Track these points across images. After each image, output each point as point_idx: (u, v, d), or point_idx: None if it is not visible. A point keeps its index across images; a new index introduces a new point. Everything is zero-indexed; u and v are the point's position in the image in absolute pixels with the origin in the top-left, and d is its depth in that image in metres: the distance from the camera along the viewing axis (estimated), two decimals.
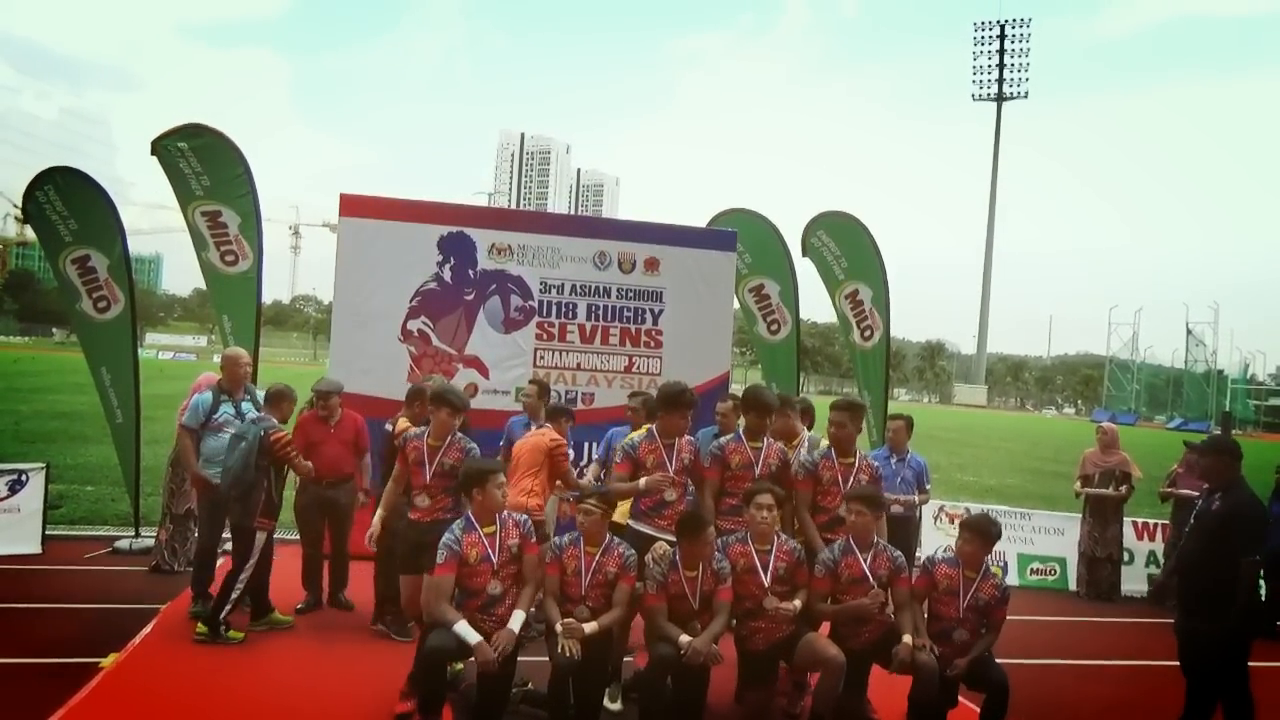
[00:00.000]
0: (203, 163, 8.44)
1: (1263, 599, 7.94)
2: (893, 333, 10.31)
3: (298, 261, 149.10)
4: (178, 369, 40.42)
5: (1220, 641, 4.91)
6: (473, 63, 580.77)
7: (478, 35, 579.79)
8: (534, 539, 4.80)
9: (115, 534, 8.82)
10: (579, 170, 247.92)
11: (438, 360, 8.43)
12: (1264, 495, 7.51)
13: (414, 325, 8.46)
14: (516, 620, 4.58)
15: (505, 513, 4.79)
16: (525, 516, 4.91)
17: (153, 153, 8.41)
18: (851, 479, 5.30)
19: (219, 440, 6.31)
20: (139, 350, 9.18)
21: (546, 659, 4.66)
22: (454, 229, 8.60)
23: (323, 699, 5.07)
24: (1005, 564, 9.49)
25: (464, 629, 4.42)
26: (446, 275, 8.56)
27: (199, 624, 5.91)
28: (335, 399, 6.78)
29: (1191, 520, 5.42)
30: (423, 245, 8.51)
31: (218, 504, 6.32)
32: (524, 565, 4.72)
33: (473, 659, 4.43)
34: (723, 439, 5.49)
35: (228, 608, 5.86)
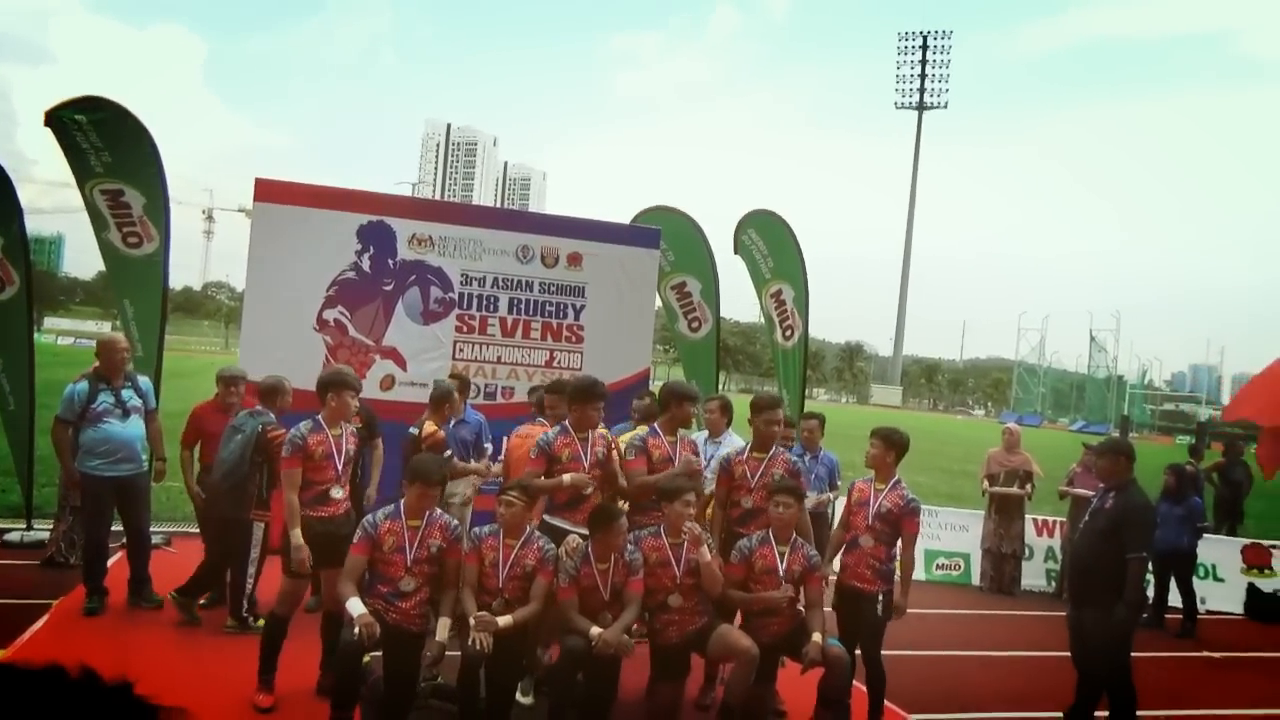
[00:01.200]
0: (103, 138, 8.03)
1: (1149, 594, 8.39)
2: (814, 334, 10.52)
3: (210, 247, 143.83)
4: (77, 355, 38.58)
5: (1106, 633, 5.17)
6: (398, 50, 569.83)
7: (404, 22, 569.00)
8: (459, 544, 4.73)
9: (5, 526, 8.40)
10: (506, 163, 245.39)
11: (354, 351, 8.24)
12: (1155, 494, 7.93)
13: (330, 315, 8.25)
14: (441, 629, 4.55)
15: (437, 512, 4.74)
16: (455, 521, 4.82)
17: (47, 124, 7.92)
18: (761, 472, 5.39)
19: (98, 431, 6.05)
20: (36, 334, 8.75)
21: (457, 652, 4.62)
22: (374, 218, 8.41)
23: (223, 695, 4.92)
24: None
25: (352, 604, 4.39)
26: (365, 265, 8.37)
27: (229, 618, 6.02)
28: (242, 386, 6.58)
29: (1086, 518, 5.70)
30: (341, 234, 8.30)
31: (101, 496, 6.09)
32: (444, 569, 4.67)
33: (379, 654, 4.37)
34: (642, 431, 5.52)
35: (245, 601, 5.99)
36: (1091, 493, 7.06)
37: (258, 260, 8.14)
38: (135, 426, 6.21)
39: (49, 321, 78.96)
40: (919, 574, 9.71)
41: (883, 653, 5.20)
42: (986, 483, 9.76)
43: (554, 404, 6.13)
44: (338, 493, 5.11)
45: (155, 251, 8.28)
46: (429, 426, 6.07)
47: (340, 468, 5.12)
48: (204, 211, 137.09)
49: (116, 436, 6.08)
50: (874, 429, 5.43)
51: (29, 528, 8.14)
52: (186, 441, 6.67)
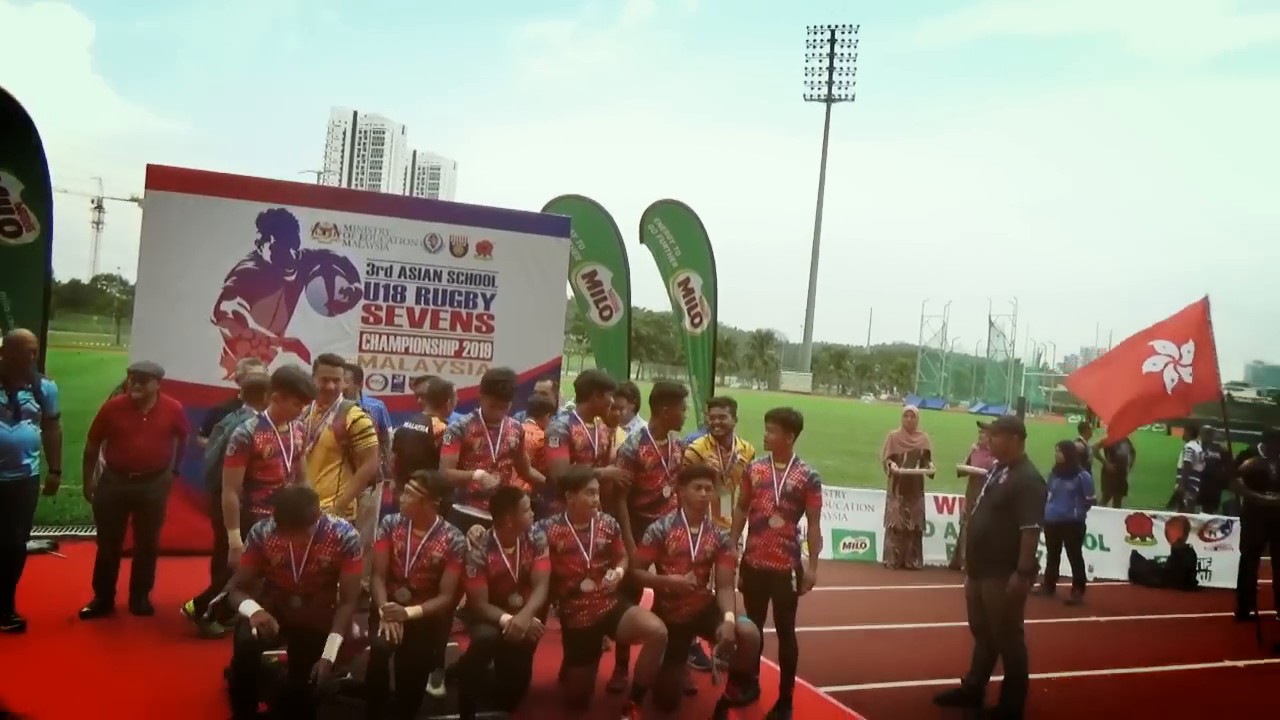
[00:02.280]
0: None
1: (1041, 564, 8.82)
2: (726, 322, 10.76)
3: (100, 238, 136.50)
4: None
5: (1001, 601, 5.42)
6: (302, 35, 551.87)
7: (308, 6, 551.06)
8: (356, 556, 4.58)
9: None
10: (415, 152, 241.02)
11: (255, 344, 8.01)
12: (1047, 470, 8.34)
13: (228, 307, 8.00)
14: (331, 646, 4.38)
15: (330, 523, 4.61)
16: (352, 533, 4.64)
17: None
18: (669, 459, 5.47)
19: None
20: None
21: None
22: (274, 206, 8.19)
23: (127, 701, 4.75)
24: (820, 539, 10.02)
25: (245, 605, 4.31)
26: (265, 255, 8.14)
27: (189, 602, 5.81)
28: (153, 384, 6.28)
29: (982, 493, 5.96)
30: (239, 222, 8.06)
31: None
32: (342, 582, 4.57)
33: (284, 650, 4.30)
34: (563, 419, 5.54)
35: (218, 597, 5.68)
36: (987, 470, 7.38)
37: (150, 250, 7.86)
38: (25, 431, 5.83)
39: None
40: (826, 553, 10.01)
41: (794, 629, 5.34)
42: (893, 464, 10.07)
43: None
44: None
45: (35, 241, 7.85)
46: (438, 424, 5.89)
47: (289, 465, 5.11)
48: (93, 200, 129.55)
49: (1, 440, 5.74)
50: (769, 413, 5.53)
51: None
52: (93, 435, 6.34)
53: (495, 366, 7.39)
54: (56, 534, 8.05)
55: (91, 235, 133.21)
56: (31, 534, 6.31)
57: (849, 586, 8.88)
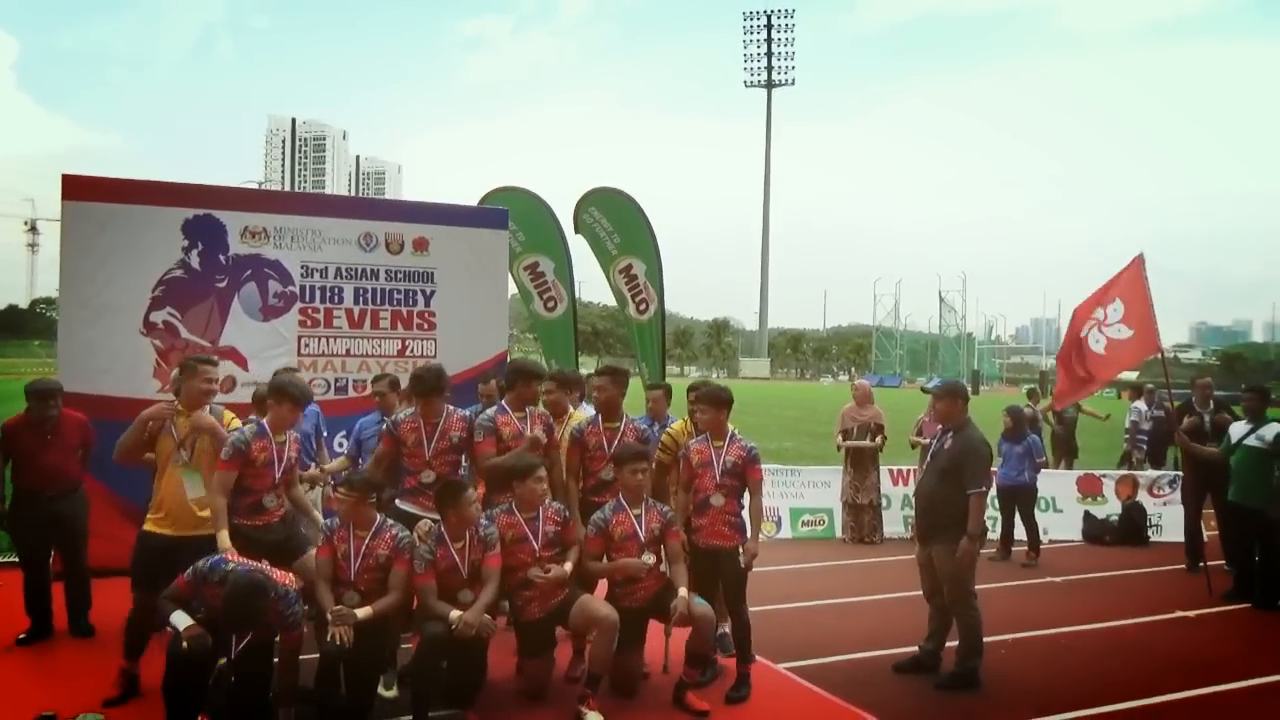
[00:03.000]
0: None
1: (997, 529, 8.92)
2: (681, 312, 10.76)
3: (35, 260, 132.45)
4: None
5: (952, 565, 5.44)
6: (235, 42, 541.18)
7: (237, 13, 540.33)
8: (296, 630, 4.40)
9: None
10: (358, 157, 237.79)
11: (188, 353, 7.73)
12: (998, 437, 8.43)
13: (158, 317, 7.77)
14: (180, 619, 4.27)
15: (279, 593, 4.39)
16: (295, 607, 4.45)
17: None
18: (617, 442, 5.40)
19: None
20: None
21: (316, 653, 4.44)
22: (200, 212, 7.96)
23: None
24: (780, 519, 10.06)
25: (176, 617, 4.18)
26: (194, 262, 7.92)
27: None
28: (56, 399, 6.06)
29: (928, 459, 5.98)
30: (164, 230, 7.82)
31: None
32: (280, 654, 4.44)
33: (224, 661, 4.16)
34: (490, 411, 5.44)
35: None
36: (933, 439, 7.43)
37: (71, 264, 7.61)
38: None
39: None
40: (785, 532, 10.06)
41: (752, 608, 5.31)
42: (840, 438, 10.11)
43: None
44: (271, 501, 4.98)
45: None
46: None
47: (278, 476, 4.98)
48: (26, 223, 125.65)
49: None
50: (698, 394, 5.51)
51: None
52: None
53: (423, 365, 7.25)
54: None
55: (27, 258, 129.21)
56: None
57: (808, 563, 8.90)
